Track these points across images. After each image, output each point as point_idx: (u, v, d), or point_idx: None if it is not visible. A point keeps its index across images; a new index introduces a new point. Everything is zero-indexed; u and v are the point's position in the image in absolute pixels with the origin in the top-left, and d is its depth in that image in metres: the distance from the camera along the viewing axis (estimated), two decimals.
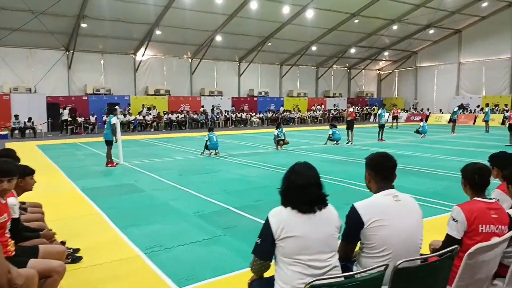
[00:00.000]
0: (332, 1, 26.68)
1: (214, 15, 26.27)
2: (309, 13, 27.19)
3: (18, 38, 24.78)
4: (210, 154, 13.05)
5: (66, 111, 23.12)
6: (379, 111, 18.59)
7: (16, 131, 21.26)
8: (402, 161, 11.25)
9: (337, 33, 31.83)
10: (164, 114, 27.30)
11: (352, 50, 35.82)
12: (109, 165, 10.96)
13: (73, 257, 4.22)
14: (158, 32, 26.72)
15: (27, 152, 15.00)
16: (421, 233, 2.57)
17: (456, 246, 2.53)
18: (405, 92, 41.33)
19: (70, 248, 4.42)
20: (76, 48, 27.38)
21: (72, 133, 23.14)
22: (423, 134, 18.91)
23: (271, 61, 36.26)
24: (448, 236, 2.74)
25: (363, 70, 41.92)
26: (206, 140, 13.01)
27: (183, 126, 26.62)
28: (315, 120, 32.51)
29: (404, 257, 2.37)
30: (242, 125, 28.81)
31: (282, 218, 2.35)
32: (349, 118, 16.77)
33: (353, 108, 17.17)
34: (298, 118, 32.07)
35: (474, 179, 2.89)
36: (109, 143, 11.02)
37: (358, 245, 2.58)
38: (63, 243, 4.47)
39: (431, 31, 33.48)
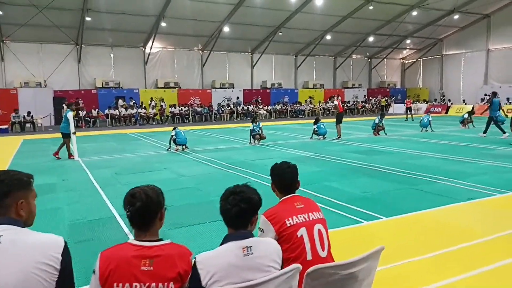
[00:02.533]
0: None
1: (218, 5, 25.65)
2: (318, 1, 25.97)
3: (27, 33, 25.32)
4: (176, 150, 12.59)
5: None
6: None
7: (17, 125, 21.77)
8: (372, 159, 10.28)
9: (353, 21, 30.29)
10: (170, 107, 27.16)
11: (371, 39, 34.06)
12: (72, 157, 11.24)
13: None
14: (163, 24, 26.50)
15: (6, 146, 15.24)
16: None
17: None
18: (430, 82, 38.97)
19: None
20: (85, 42, 27.72)
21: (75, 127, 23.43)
22: (422, 128, 17.51)
23: (286, 52, 35.22)
24: None
25: (385, 59, 39.91)
26: (172, 135, 12.56)
27: (187, 120, 26.36)
28: (328, 112, 31.23)
29: None
30: (248, 118, 28.11)
31: None
32: (337, 111, 15.72)
33: (338, 99, 16.02)
34: (309, 110, 30.93)
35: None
36: (65, 135, 11.16)
37: None
38: None
39: (456, 17, 31.15)
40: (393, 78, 41.44)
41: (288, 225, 2.43)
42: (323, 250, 2.44)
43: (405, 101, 26.22)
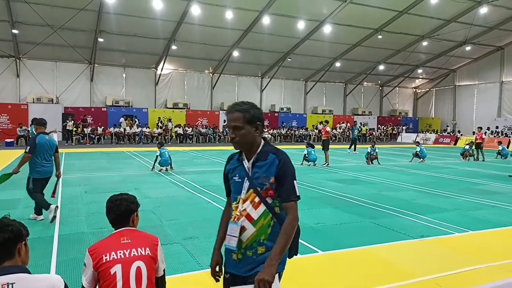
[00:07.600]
0: (351, 16, 25.43)
1: (227, 30, 26.23)
2: (327, 29, 26.28)
3: (43, 52, 26.47)
4: (160, 170, 12.69)
5: (70, 122, 24.07)
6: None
7: (23, 139, 22.42)
8: (348, 189, 10.10)
9: (363, 49, 30.42)
10: (175, 128, 27.55)
11: (382, 67, 34.06)
12: None
13: None
14: (174, 47, 27.24)
15: (4, 158, 15.70)
16: None
17: None
18: (442, 112, 38.46)
19: None
20: (98, 62, 28.70)
21: (78, 143, 24.03)
22: (421, 159, 17.14)
23: (295, 77, 35.50)
24: None
25: (397, 88, 39.69)
26: (157, 156, 12.69)
27: (191, 140, 26.61)
28: (333, 138, 31.04)
29: None
30: None
31: None
32: (324, 138, 15.63)
33: (324, 125, 15.81)
34: (315, 136, 30.83)
35: None
36: None
37: None
38: None
39: (468, 48, 30.88)
40: (405, 107, 41.05)
41: (104, 261, 2.36)
42: None
43: (474, 134, 20.58)
